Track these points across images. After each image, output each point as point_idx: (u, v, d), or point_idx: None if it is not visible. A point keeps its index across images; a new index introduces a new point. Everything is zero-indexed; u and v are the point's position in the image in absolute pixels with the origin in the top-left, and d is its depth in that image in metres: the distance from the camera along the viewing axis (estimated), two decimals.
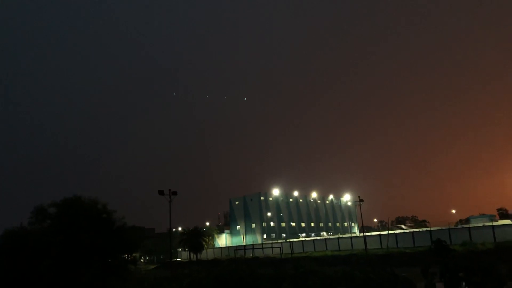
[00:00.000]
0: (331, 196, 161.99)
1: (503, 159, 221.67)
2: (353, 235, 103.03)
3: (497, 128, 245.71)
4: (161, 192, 47.50)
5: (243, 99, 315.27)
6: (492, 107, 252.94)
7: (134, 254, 48.58)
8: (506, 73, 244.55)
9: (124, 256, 44.15)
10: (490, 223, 75.45)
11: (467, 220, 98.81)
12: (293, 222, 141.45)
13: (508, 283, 18.19)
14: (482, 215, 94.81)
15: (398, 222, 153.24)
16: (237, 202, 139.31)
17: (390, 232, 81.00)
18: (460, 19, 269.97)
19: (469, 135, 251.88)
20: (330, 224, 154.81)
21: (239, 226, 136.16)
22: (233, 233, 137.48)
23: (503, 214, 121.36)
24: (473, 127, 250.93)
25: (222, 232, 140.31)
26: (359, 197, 74.37)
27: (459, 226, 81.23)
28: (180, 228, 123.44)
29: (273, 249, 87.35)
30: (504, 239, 62.47)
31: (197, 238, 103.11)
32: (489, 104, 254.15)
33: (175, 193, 47.81)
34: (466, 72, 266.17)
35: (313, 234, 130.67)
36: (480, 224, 76.30)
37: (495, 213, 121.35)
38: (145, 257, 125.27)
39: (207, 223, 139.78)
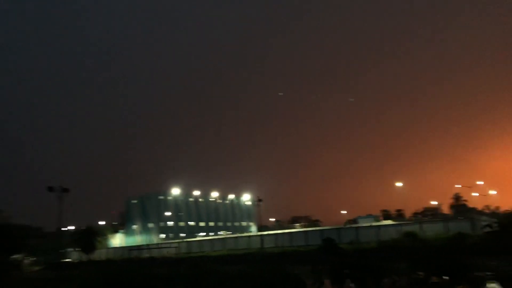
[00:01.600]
0: (231, 196, 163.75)
1: (388, 164, 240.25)
2: (251, 234, 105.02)
3: (385, 133, 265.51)
4: (50, 189, 44.54)
5: (148, 96, 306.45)
6: (379, 109, 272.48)
7: (16, 256, 44.97)
8: (394, 74, 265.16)
9: (7, 256, 40.73)
10: (375, 223, 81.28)
11: (355, 220, 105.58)
12: (192, 221, 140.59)
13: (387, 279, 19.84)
14: (369, 216, 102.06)
15: (293, 221, 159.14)
16: (134, 201, 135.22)
17: (286, 231, 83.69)
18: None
19: (360, 139, 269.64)
20: (229, 224, 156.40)
21: (135, 226, 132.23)
22: (129, 233, 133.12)
23: (387, 215, 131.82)
24: (366, 131, 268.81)
25: (117, 231, 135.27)
26: (257, 197, 76.03)
27: (348, 226, 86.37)
28: (72, 227, 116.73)
29: (170, 249, 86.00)
30: (387, 238, 67.50)
31: (90, 238, 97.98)
32: (375, 106, 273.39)
33: (66, 190, 45.19)
34: (357, 72, 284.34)
35: (212, 234, 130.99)
36: (367, 224, 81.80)
37: (380, 213, 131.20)
38: (30, 258, 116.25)
39: (102, 222, 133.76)
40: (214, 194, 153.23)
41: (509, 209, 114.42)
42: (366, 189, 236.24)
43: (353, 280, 18.56)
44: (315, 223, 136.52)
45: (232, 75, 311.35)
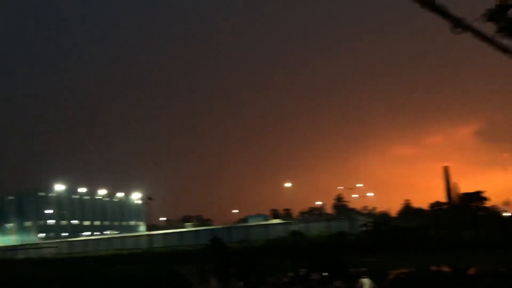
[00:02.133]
0: (119, 194, 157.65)
1: (279, 164, 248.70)
2: (139, 233, 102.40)
3: (276, 135, 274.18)
4: None
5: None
6: (270, 112, 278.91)
7: None
8: (288, 79, 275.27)
9: None
10: (265, 222, 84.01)
11: (246, 219, 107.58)
12: (76, 220, 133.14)
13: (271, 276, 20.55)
14: (259, 215, 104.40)
15: (185, 220, 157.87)
16: (10, 198, 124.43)
17: (175, 230, 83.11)
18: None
19: (251, 141, 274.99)
20: (116, 223, 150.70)
21: (11, 224, 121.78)
22: (2, 232, 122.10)
23: (276, 214, 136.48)
24: (259, 132, 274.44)
25: None
26: (147, 195, 74.29)
27: (239, 225, 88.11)
28: None
29: (50, 249, 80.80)
30: (275, 236, 70.12)
31: None
32: (267, 108, 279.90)
33: None
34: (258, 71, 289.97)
35: (98, 233, 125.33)
36: (256, 223, 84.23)
37: (269, 213, 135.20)
38: None
39: None
40: (102, 192, 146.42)
41: (383, 210, 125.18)
42: (258, 188, 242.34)
43: (239, 278, 18.90)
44: (206, 222, 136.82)
45: (134, 71, 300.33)
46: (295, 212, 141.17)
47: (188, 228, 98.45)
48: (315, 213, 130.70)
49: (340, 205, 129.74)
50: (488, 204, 75.82)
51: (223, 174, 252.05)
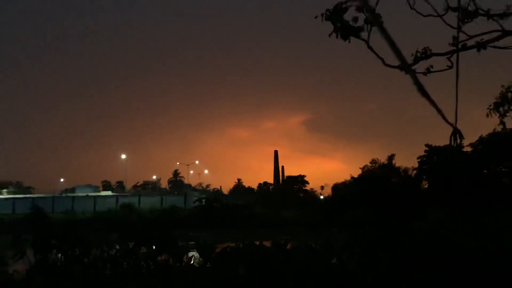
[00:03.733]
0: None
1: (113, 134, 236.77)
2: None
3: (112, 103, 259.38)
4: None
5: None
6: (108, 80, 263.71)
7: None
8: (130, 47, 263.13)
9: None
10: (94, 194, 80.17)
11: (73, 190, 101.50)
12: None
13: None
14: (88, 186, 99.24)
15: (1, 187, 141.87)
16: None
17: None
18: None
19: (84, 107, 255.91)
20: None
21: None
22: None
23: (107, 186, 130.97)
24: (92, 99, 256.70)
25: None
26: None
27: (64, 195, 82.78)
28: None
29: None
30: (104, 209, 67.39)
31: None
32: (105, 76, 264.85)
33: None
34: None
35: None
36: (84, 194, 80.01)
37: (100, 184, 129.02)
38: None
39: None
40: None
41: (217, 187, 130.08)
42: (90, 158, 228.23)
43: (60, 251, 17.61)
44: (27, 190, 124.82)
45: None
46: (129, 185, 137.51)
47: (4, 195, 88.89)
48: (149, 187, 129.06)
49: (176, 181, 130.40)
50: (307, 187, 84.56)
51: (50, 138, 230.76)
